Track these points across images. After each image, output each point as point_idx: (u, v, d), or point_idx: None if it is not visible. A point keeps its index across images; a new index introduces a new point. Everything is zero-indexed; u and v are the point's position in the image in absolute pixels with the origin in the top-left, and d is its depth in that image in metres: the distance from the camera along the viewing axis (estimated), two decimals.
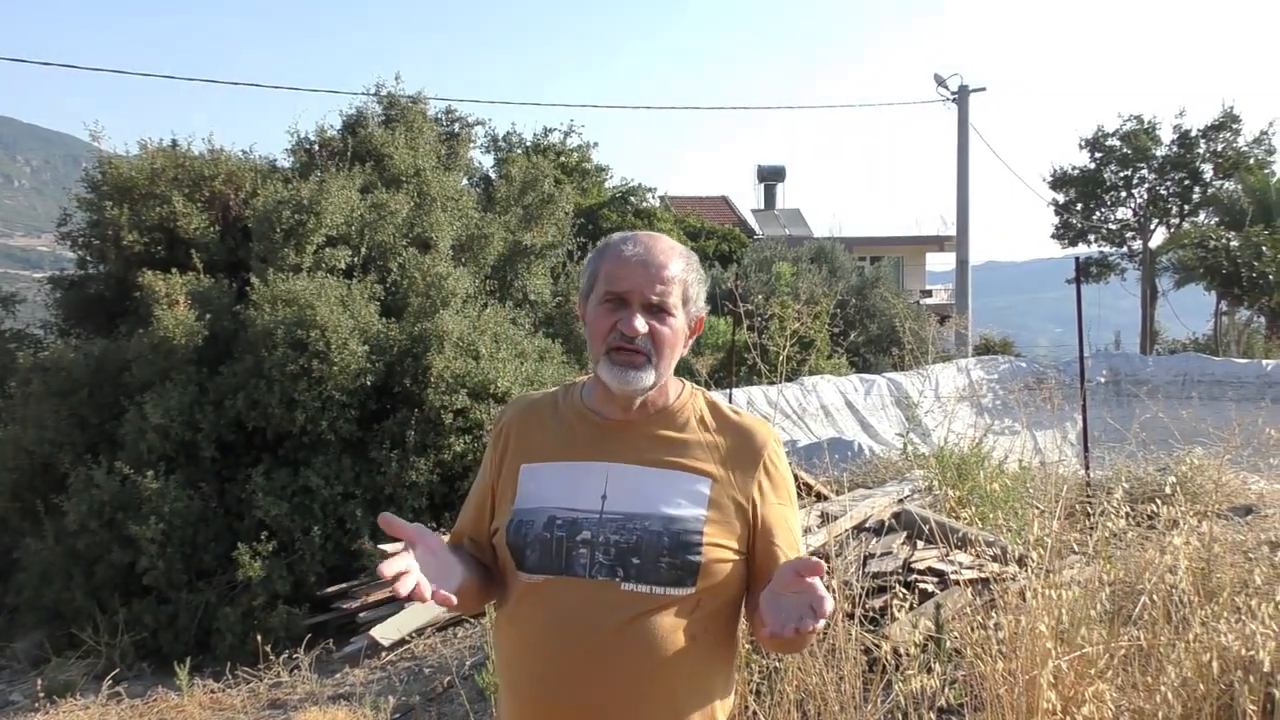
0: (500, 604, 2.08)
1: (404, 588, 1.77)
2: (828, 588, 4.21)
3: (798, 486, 5.99)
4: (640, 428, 2.03)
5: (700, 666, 1.95)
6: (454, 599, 1.84)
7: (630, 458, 2.00)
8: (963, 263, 25.05)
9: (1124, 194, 31.32)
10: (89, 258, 10.66)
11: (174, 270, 9.33)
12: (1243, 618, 3.53)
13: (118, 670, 7.44)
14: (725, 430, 2.05)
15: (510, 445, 2.11)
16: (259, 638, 7.03)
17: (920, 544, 5.26)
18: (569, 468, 2.02)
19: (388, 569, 1.77)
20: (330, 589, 8.04)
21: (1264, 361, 17.14)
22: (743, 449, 2.03)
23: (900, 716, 3.76)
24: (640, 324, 1.94)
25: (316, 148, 11.33)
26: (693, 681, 1.95)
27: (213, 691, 6.50)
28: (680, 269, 2.00)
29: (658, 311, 1.96)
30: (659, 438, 2.02)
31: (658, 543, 1.91)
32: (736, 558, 1.99)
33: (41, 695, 6.69)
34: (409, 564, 1.81)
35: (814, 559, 1.73)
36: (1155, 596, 3.78)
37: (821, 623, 1.69)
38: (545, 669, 1.92)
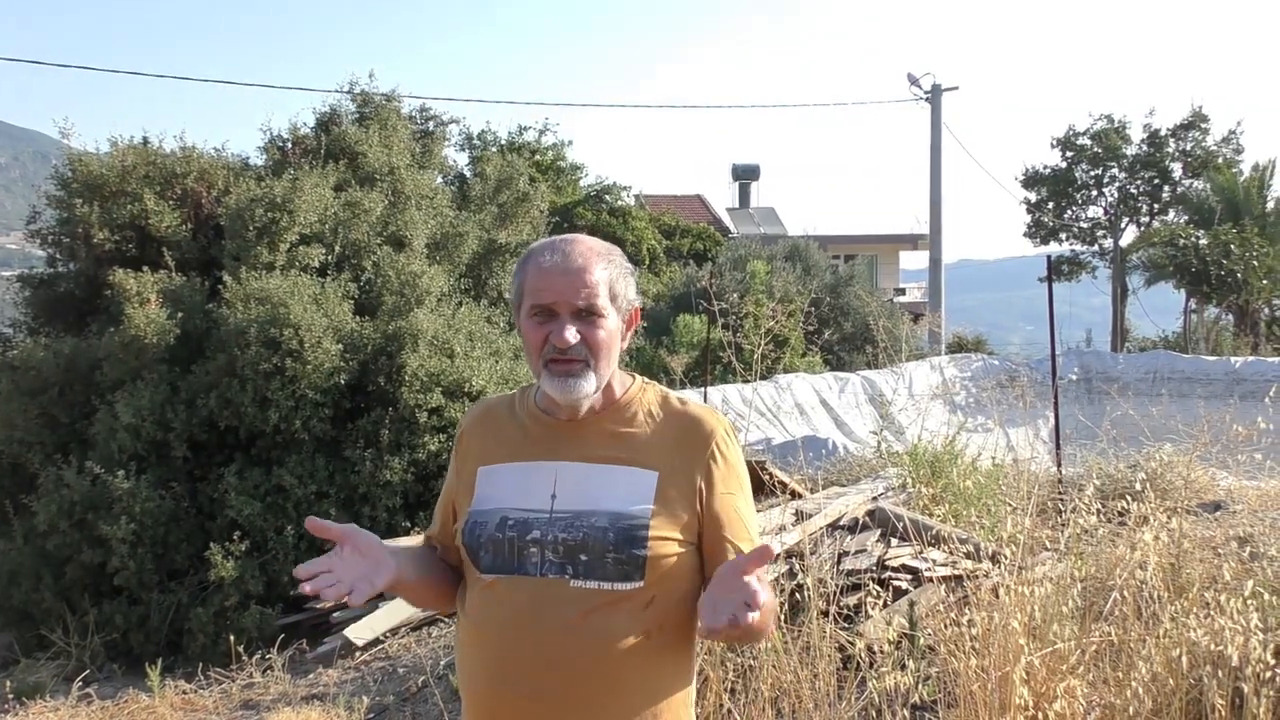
0: (460, 604, 2.11)
1: (315, 586, 1.87)
2: (800, 586, 4.25)
3: (773, 484, 6.03)
4: (589, 425, 2.04)
5: (654, 661, 1.97)
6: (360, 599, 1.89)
7: (579, 456, 2.01)
8: (936, 261, 25.21)
9: (1095, 193, 31.61)
10: (59, 256, 10.54)
11: (145, 268, 9.24)
12: (1212, 613, 3.57)
13: (88, 671, 7.37)
14: (673, 422, 2.06)
15: (469, 449, 2.14)
16: (231, 638, 6.99)
17: (894, 541, 5.28)
18: (521, 468, 2.04)
19: (302, 570, 1.86)
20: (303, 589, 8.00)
21: (1232, 359, 17.31)
22: (691, 439, 2.04)
23: (874, 714, 3.78)
24: (571, 334, 1.94)
25: (289, 145, 11.25)
26: (646, 676, 1.96)
27: (184, 692, 6.45)
28: (602, 269, 1.99)
29: (587, 316, 1.96)
30: (607, 434, 2.03)
31: (604, 539, 1.92)
32: (686, 550, 1.99)
33: (10, 697, 6.63)
34: (329, 563, 1.89)
35: (758, 549, 1.73)
36: (1126, 592, 3.81)
37: (755, 615, 1.67)
38: (498, 667, 1.95)
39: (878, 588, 4.44)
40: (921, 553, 5.06)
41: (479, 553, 1.99)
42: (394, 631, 6.84)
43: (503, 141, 27.79)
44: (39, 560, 8.47)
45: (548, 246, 2.02)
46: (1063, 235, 32.37)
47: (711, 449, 2.04)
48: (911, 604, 4.53)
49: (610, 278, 1.99)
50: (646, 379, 2.16)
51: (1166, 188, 30.55)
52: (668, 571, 1.96)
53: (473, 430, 2.16)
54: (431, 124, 13.21)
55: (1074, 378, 16.19)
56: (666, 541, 1.96)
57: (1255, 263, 23.12)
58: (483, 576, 1.99)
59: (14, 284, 10.85)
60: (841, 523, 5.57)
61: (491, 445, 2.10)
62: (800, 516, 5.40)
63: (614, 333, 2.01)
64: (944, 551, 5.01)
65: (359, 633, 6.74)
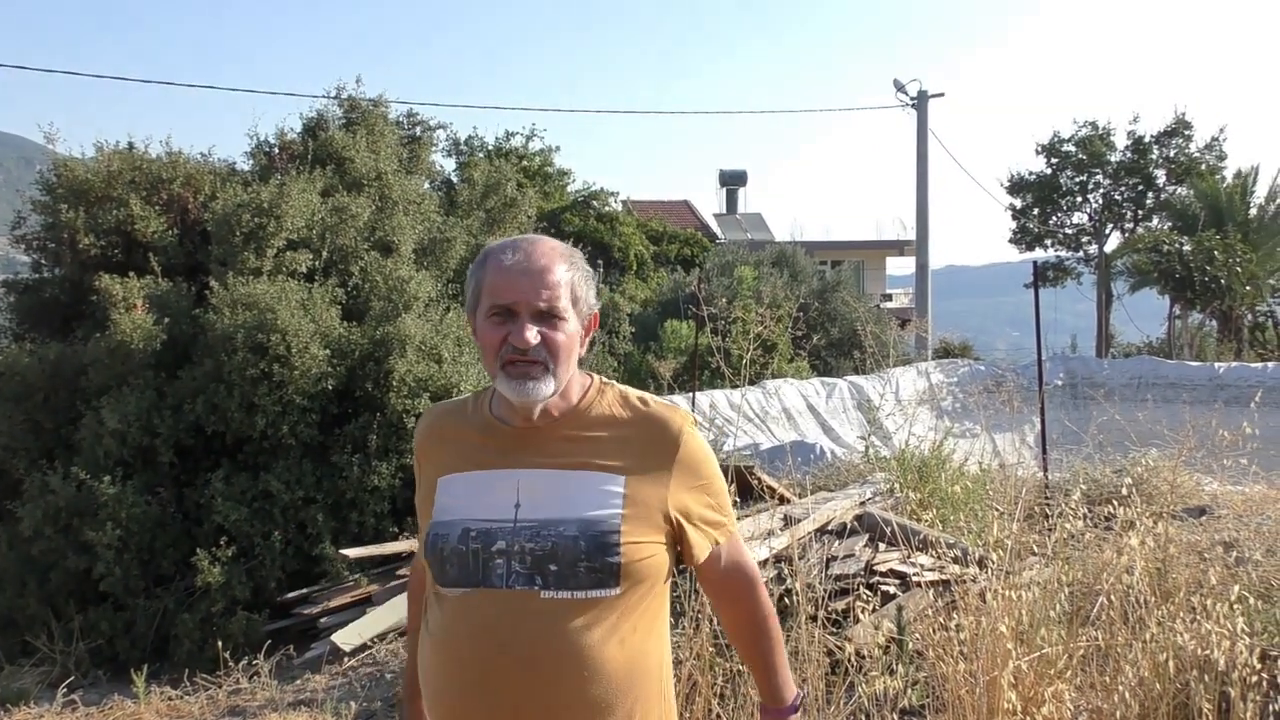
0: (423, 619, 2.06)
1: None
2: (788, 591, 4.25)
3: (761, 489, 6.04)
4: (549, 431, 2.00)
5: (632, 668, 1.93)
6: None
7: (541, 463, 1.96)
8: (922, 267, 25.27)
9: (1079, 199, 31.71)
10: (44, 261, 10.50)
11: (131, 274, 9.20)
12: (1198, 618, 3.59)
13: (73, 678, 7.32)
14: (637, 422, 2.01)
15: (426, 460, 2.10)
16: (218, 644, 6.96)
17: (882, 546, 5.30)
18: (480, 477, 1.99)
19: None
20: (291, 594, 7.97)
21: (1216, 364, 17.42)
22: (656, 439, 2.00)
23: (863, 718, 3.79)
24: (532, 335, 1.90)
25: (276, 151, 11.22)
26: (624, 685, 1.92)
27: (170, 699, 6.41)
28: (564, 271, 1.95)
29: (548, 318, 1.92)
30: (569, 439, 1.98)
31: (574, 547, 1.88)
32: (657, 551, 1.96)
33: None
34: None
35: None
36: (1113, 597, 3.83)
37: None
38: (470, 684, 1.90)
39: (866, 592, 4.45)
40: (909, 557, 5.07)
41: (443, 566, 1.95)
42: (381, 637, 6.82)
43: (490, 147, 27.81)
44: (24, 566, 8.42)
45: (509, 245, 1.97)
46: (1048, 241, 32.48)
47: (679, 446, 2.01)
48: (900, 609, 4.54)
49: (572, 280, 1.96)
50: (605, 379, 2.11)
51: (1150, 194, 30.69)
52: (640, 576, 1.93)
53: (427, 439, 2.12)
54: (419, 129, 13.22)
55: (1060, 383, 16.27)
56: (639, 545, 1.92)
57: (1238, 269, 23.25)
58: (448, 591, 1.95)
59: None
60: (829, 527, 5.58)
61: (448, 454, 2.05)
62: (788, 521, 5.40)
63: (573, 336, 1.97)
64: (932, 556, 5.02)
65: (347, 638, 6.72)
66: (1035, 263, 10.70)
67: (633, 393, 2.08)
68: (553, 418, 2.00)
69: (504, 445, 2.00)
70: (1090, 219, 31.94)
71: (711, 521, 2.05)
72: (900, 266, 41.26)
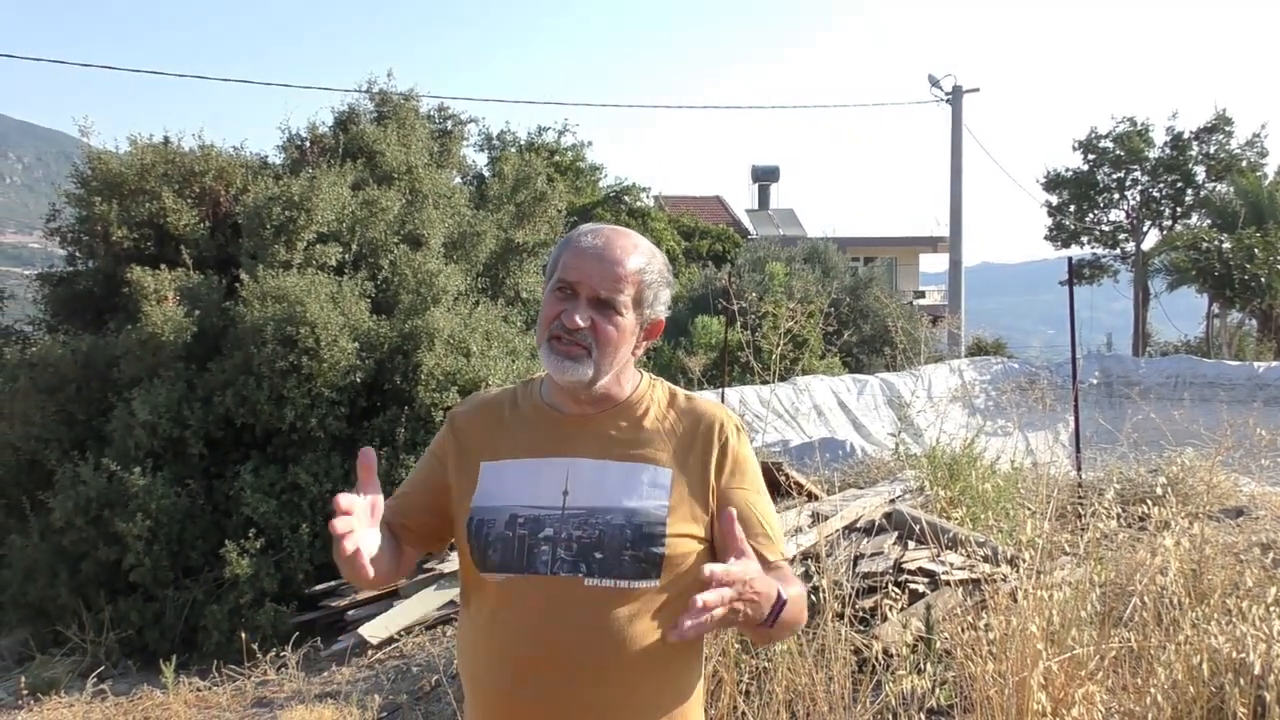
0: (463, 603, 2.07)
1: (350, 546, 1.74)
2: (816, 588, 4.21)
3: (790, 486, 5.99)
4: (599, 422, 2.03)
5: (669, 660, 1.94)
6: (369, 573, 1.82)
7: (590, 452, 1.99)
8: (956, 263, 25.08)
9: (1117, 196, 31.44)
10: (78, 254, 10.58)
11: (163, 266, 9.26)
12: (1233, 620, 3.52)
13: (103, 668, 7.39)
14: (683, 419, 2.05)
15: (471, 441, 2.09)
16: (246, 635, 6.99)
17: (911, 544, 5.24)
18: (530, 464, 2.01)
19: (340, 525, 1.73)
20: (318, 587, 7.99)
21: (1255, 364, 17.18)
22: (702, 436, 2.03)
23: (890, 717, 3.74)
24: (581, 318, 1.93)
25: (308, 144, 11.26)
26: (662, 676, 1.94)
27: (198, 689, 6.46)
28: (637, 268, 1.98)
29: (604, 307, 1.96)
30: (618, 430, 2.02)
31: (621, 536, 1.90)
32: (700, 547, 1.98)
33: (25, 693, 6.65)
34: (357, 524, 1.78)
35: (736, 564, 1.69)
36: (1146, 598, 3.77)
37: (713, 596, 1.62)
38: (511, 668, 1.91)
39: (894, 590, 4.40)
40: (939, 556, 5.01)
41: (486, 551, 1.95)
42: (408, 630, 6.83)
43: (522, 142, 27.85)
44: (55, 556, 8.49)
45: (593, 230, 2.03)
46: (1084, 238, 32.21)
47: (723, 445, 2.03)
48: (928, 607, 4.48)
49: (641, 279, 1.99)
50: (654, 376, 2.15)
51: (1189, 191, 30.37)
52: (682, 569, 1.94)
53: (472, 423, 2.12)
54: (449, 123, 13.22)
55: (1094, 381, 16.09)
56: (682, 539, 1.94)
57: (1279, 266, 22.93)
58: (490, 576, 1.95)
59: (34, 282, 10.91)
60: (858, 525, 5.53)
61: (495, 440, 2.06)
62: (817, 518, 5.36)
63: (625, 332, 1.99)
64: (961, 555, 4.96)
65: (373, 631, 6.73)
66: (1071, 260, 10.59)
67: (680, 390, 2.12)
68: (604, 408, 2.04)
69: (554, 434, 2.03)
70: (1128, 216, 31.65)
71: (762, 536, 2.00)
72: (934, 263, 41.06)
